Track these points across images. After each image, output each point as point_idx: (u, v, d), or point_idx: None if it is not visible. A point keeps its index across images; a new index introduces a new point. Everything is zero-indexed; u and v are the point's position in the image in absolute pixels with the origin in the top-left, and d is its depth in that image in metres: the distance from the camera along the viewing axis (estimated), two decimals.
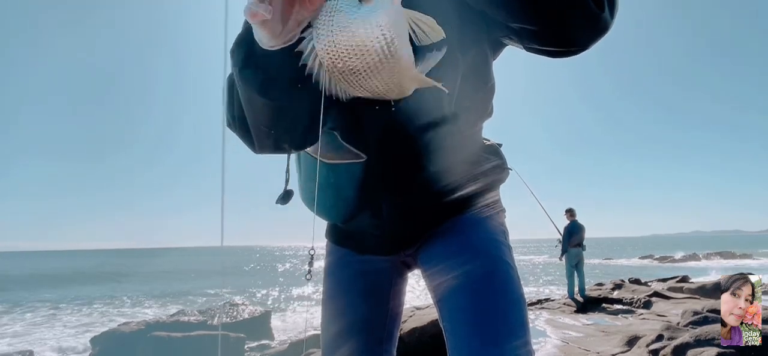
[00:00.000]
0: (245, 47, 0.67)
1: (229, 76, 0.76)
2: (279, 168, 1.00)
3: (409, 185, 0.87)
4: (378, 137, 0.84)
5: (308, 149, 0.88)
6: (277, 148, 0.78)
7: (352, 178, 0.87)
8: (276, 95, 0.68)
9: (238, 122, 0.76)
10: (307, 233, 1.08)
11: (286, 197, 0.89)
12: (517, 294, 0.83)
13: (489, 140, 0.99)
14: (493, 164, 0.96)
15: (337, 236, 1.04)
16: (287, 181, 0.91)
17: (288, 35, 0.60)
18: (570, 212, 7.72)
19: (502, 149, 1.02)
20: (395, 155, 0.85)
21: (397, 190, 0.87)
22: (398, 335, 1.04)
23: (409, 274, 1.06)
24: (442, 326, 0.86)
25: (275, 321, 9.62)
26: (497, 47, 0.89)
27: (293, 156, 0.97)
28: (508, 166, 1.02)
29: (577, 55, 0.78)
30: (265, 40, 0.60)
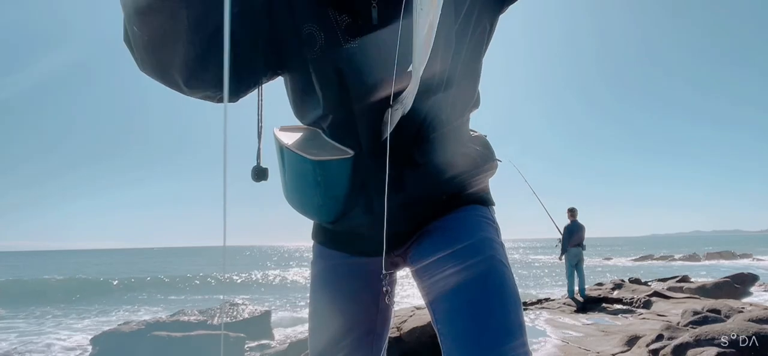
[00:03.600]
0: None
1: None
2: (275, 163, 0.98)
3: (401, 182, 0.85)
4: (371, 133, 0.81)
5: (290, 145, 0.85)
6: (162, 72, 0.70)
7: (342, 175, 0.83)
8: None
9: (124, 28, 0.68)
10: (303, 233, 1.07)
11: (260, 174, 0.86)
12: (512, 293, 0.81)
13: (475, 132, 0.98)
14: (482, 157, 0.94)
15: (324, 237, 0.99)
16: (259, 156, 0.88)
17: None
18: (571, 212, 7.72)
19: (488, 139, 1.00)
20: (385, 149, 0.80)
21: (390, 187, 0.83)
22: (389, 336, 1.01)
23: (399, 274, 1.03)
24: (435, 328, 0.83)
25: (275, 321, 9.61)
26: (490, 34, 0.88)
27: (276, 151, 0.92)
28: (498, 158, 1.00)
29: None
30: None
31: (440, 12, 0.62)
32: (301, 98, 0.88)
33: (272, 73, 0.86)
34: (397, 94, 0.72)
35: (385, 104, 0.76)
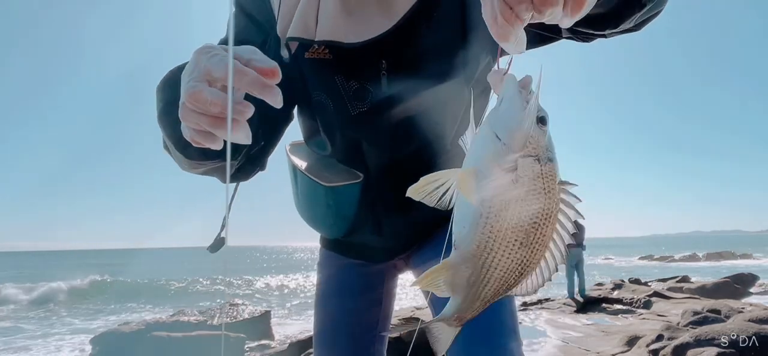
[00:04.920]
0: (169, 94, 0.57)
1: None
2: (280, 167, 0.99)
3: (409, 204, 0.88)
4: (378, 164, 0.85)
5: (304, 168, 0.89)
6: (197, 173, 0.72)
7: (352, 198, 0.87)
8: (192, 155, 0.61)
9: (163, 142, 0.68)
10: (306, 234, 1.08)
11: (216, 246, 0.80)
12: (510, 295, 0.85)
13: None
14: None
15: (332, 244, 1.04)
16: (223, 226, 0.81)
17: None
18: None
19: None
20: (394, 177, 0.86)
21: (397, 209, 0.89)
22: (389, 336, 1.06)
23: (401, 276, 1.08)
24: None
25: (275, 321, 9.62)
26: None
27: (288, 168, 0.97)
28: None
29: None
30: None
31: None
32: (309, 136, 0.93)
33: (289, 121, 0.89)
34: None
35: (394, 139, 0.79)
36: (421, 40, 0.74)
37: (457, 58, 0.77)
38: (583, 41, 0.70)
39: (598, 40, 0.69)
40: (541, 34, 0.75)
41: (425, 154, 0.85)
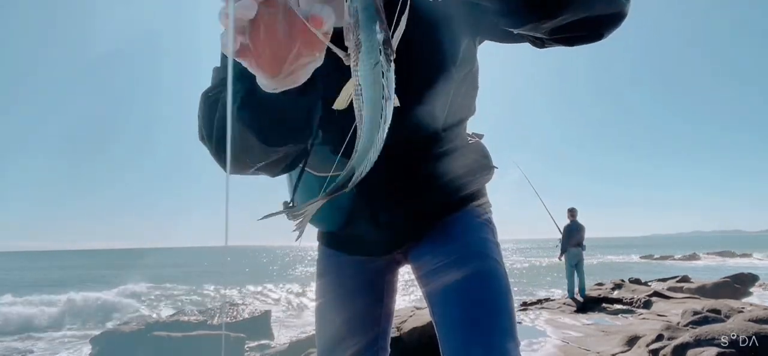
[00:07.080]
0: (247, 84, 0.58)
1: (205, 92, 0.68)
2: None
3: (404, 193, 0.89)
4: None
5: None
6: (249, 173, 0.73)
7: None
8: (275, 141, 0.63)
9: (215, 142, 0.68)
10: (306, 233, 1.08)
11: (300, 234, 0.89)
12: (504, 290, 0.86)
13: (472, 137, 1.01)
14: (479, 165, 0.99)
15: (329, 240, 1.04)
16: (302, 225, 0.89)
17: (289, 78, 0.53)
18: (571, 212, 7.73)
19: (484, 140, 1.04)
20: (388, 166, 0.86)
21: (392, 198, 0.89)
22: (391, 332, 1.06)
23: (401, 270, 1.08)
24: (433, 321, 0.89)
25: (275, 321, 9.62)
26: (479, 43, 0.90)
27: None
28: (494, 164, 1.05)
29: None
30: (262, 81, 0.53)
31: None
32: None
33: None
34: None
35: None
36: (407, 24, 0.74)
37: (442, 41, 0.77)
38: (537, 46, 0.70)
39: (553, 46, 0.68)
40: (502, 30, 0.74)
41: (417, 139, 0.84)
